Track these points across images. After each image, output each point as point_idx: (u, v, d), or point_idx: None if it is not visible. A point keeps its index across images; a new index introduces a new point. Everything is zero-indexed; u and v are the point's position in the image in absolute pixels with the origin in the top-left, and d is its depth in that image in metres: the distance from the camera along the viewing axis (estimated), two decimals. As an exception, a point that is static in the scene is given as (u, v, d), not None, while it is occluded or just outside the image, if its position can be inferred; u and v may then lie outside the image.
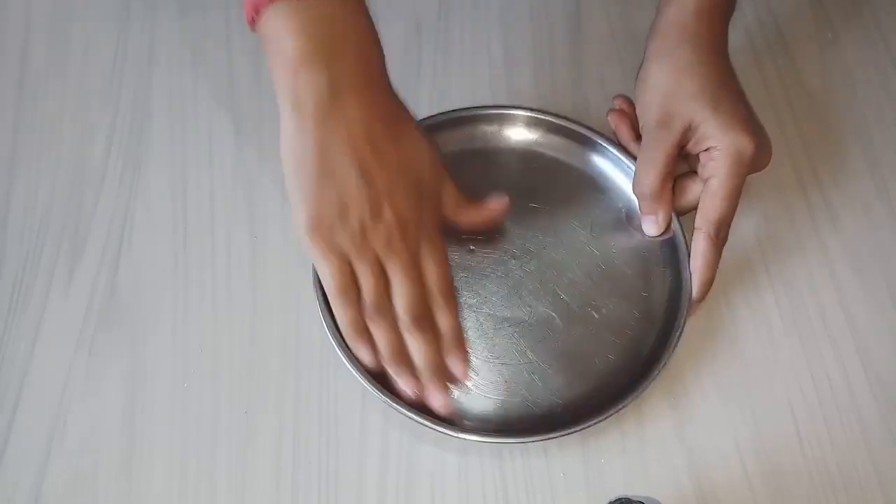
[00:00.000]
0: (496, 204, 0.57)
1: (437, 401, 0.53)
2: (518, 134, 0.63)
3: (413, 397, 0.53)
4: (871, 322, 0.59)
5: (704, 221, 0.55)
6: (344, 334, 0.53)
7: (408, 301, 0.52)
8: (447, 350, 0.54)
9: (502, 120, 0.63)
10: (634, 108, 0.61)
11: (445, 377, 0.54)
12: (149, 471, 0.54)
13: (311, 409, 0.56)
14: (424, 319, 0.53)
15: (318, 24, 0.49)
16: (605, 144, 0.61)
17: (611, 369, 0.56)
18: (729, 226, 0.56)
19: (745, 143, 0.54)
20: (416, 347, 0.53)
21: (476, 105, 0.63)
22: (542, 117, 0.62)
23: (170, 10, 0.70)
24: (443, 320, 0.54)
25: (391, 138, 0.51)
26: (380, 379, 0.54)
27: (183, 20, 0.70)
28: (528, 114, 0.63)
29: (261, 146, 0.65)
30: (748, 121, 0.56)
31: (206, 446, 0.54)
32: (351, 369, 0.54)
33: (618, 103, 0.62)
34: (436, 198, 0.55)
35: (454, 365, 0.54)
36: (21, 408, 0.55)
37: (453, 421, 0.53)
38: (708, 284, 0.56)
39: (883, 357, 0.58)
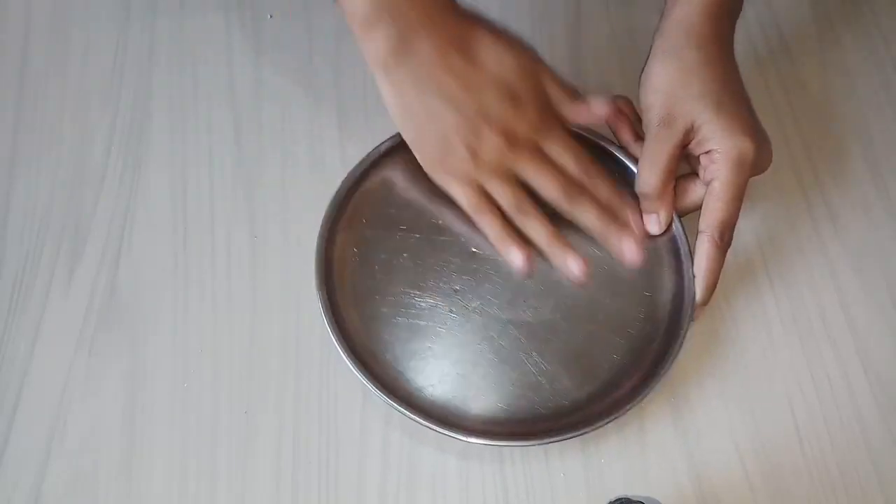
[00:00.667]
0: (599, 105, 0.58)
1: (627, 249, 0.56)
2: None
3: (581, 276, 0.56)
4: (871, 322, 0.59)
5: (708, 225, 0.55)
6: (494, 245, 0.57)
7: (550, 188, 0.55)
8: (614, 207, 0.57)
9: None
10: (633, 109, 0.61)
11: (624, 224, 0.57)
12: (149, 471, 0.54)
13: (311, 409, 0.56)
14: (577, 194, 0.56)
15: None
16: (605, 146, 0.61)
17: (616, 370, 0.56)
18: (733, 229, 0.56)
19: (747, 147, 0.54)
20: (582, 216, 0.56)
21: None
22: None
23: (170, 10, 0.70)
24: (597, 188, 0.56)
25: (470, 60, 0.54)
26: (380, 379, 0.54)
27: (183, 20, 0.70)
28: None
29: (261, 146, 0.65)
30: (750, 124, 0.56)
31: (206, 446, 0.55)
32: (351, 369, 0.54)
33: (617, 104, 0.62)
34: (534, 100, 0.56)
35: (626, 213, 0.57)
36: (21, 408, 0.55)
37: (453, 423, 0.53)
38: (712, 288, 0.56)
39: (883, 357, 0.58)
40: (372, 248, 0.59)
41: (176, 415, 0.55)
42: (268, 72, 0.68)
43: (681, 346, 0.55)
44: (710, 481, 0.54)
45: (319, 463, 0.54)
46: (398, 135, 0.60)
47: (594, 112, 0.58)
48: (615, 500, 0.49)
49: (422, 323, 0.57)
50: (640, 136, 0.59)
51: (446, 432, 0.52)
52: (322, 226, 0.58)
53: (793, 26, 0.72)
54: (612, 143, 0.62)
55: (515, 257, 0.56)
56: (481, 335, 0.56)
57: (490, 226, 0.56)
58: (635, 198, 0.58)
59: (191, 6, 0.70)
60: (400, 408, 0.53)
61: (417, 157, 0.56)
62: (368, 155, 0.60)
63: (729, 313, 0.60)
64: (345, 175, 0.60)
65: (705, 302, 0.56)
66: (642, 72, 0.58)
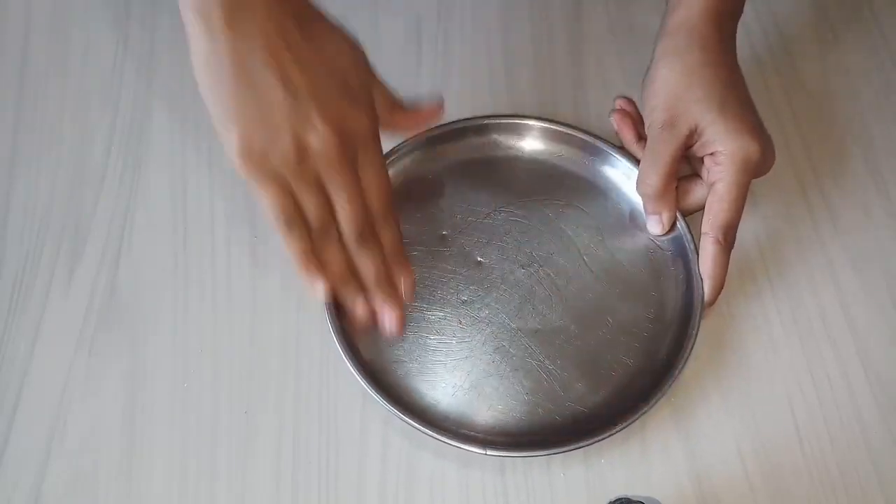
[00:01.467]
0: (430, 106, 0.55)
1: (388, 318, 0.54)
2: (520, 142, 0.63)
3: (363, 321, 0.54)
4: (871, 322, 0.59)
5: (712, 226, 0.55)
6: (295, 265, 0.51)
7: (351, 218, 0.50)
8: (391, 264, 0.54)
9: (504, 129, 0.63)
10: (636, 109, 0.61)
11: (394, 292, 0.54)
12: (149, 471, 0.54)
13: (311, 409, 0.56)
14: (369, 235, 0.52)
15: None
16: (607, 149, 0.61)
17: (628, 372, 0.56)
18: (736, 229, 0.56)
19: (751, 148, 0.54)
20: (364, 263, 0.52)
21: (477, 115, 0.63)
22: (544, 125, 0.62)
23: (170, 10, 0.70)
24: (385, 235, 0.53)
25: (308, 39, 0.47)
26: (381, 381, 0.54)
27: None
28: (530, 122, 0.62)
29: (261, 146, 0.65)
30: (754, 125, 0.56)
31: (206, 446, 0.54)
32: (352, 369, 0.53)
33: (619, 104, 0.62)
34: (367, 100, 0.51)
35: (399, 278, 0.54)
36: (21, 408, 0.55)
37: (467, 435, 0.53)
38: (718, 288, 0.56)
39: (883, 357, 0.58)
40: None
41: (176, 415, 0.55)
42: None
43: (692, 346, 0.55)
44: (711, 481, 0.54)
45: (319, 463, 0.54)
46: (397, 147, 0.60)
47: (421, 115, 0.54)
48: (615, 501, 0.49)
49: (432, 336, 0.56)
50: (642, 137, 0.59)
51: (462, 446, 0.52)
52: None
53: (793, 26, 0.72)
54: (614, 145, 0.62)
55: (319, 288, 0.51)
56: (492, 345, 0.56)
57: (299, 243, 0.50)
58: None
59: (191, 6, 0.70)
60: (392, 407, 0.52)
61: (225, 135, 0.47)
62: None
63: (729, 314, 0.60)
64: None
65: (713, 302, 0.56)
66: (645, 75, 0.58)
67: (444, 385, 0.55)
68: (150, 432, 0.55)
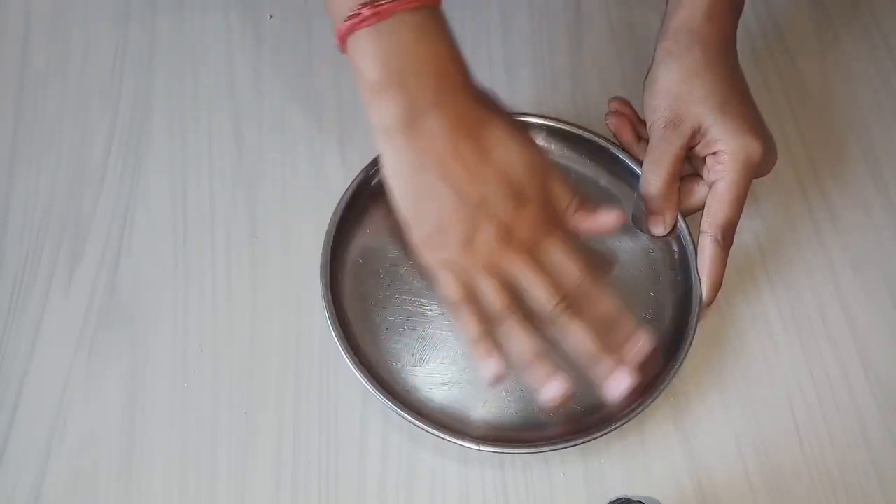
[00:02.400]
0: (609, 217, 0.53)
1: (616, 384, 0.51)
2: None
3: (558, 400, 0.51)
4: (871, 322, 0.59)
5: (711, 225, 0.55)
6: (471, 350, 0.51)
7: (542, 292, 0.50)
8: (615, 328, 0.51)
9: None
10: (632, 109, 0.61)
11: (614, 358, 0.51)
12: (149, 471, 0.54)
13: (311, 409, 0.56)
14: (570, 306, 0.51)
15: (395, 51, 0.48)
16: (607, 147, 0.61)
17: None
18: (735, 229, 0.56)
19: (754, 148, 0.54)
20: (574, 329, 0.51)
21: None
22: (545, 122, 0.62)
23: (170, 10, 0.70)
24: (599, 307, 0.51)
25: (479, 148, 0.50)
26: (379, 378, 0.54)
27: (183, 20, 0.70)
28: (531, 119, 0.62)
29: (261, 146, 0.65)
30: (757, 125, 0.56)
31: (206, 446, 0.54)
32: (352, 368, 0.53)
33: (614, 106, 0.62)
34: (543, 196, 0.52)
35: (629, 341, 0.51)
36: (21, 408, 0.55)
37: (461, 430, 0.53)
38: (717, 287, 0.56)
39: (883, 357, 0.58)
40: (377, 257, 0.59)
41: (176, 415, 0.55)
42: (268, 72, 0.68)
43: (689, 346, 0.55)
44: (711, 481, 0.54)
45: (319, 463, 0.54)
46: None
47: (601, 223, 0.53)
48: (615, 501, 0.49)
49: (429, 331, 0.57)
50: (641, 137, 0.59)
51: (456, 441, 0.52)
52: (326, 235, 0.58)
53: (793, 26, 0.72)
54: (615, 144, 0.61)
55: (488, 370, 0.51)
56: None
57: (470, 325, 0.51)
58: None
59: (191, 6, 0.70)
60: (410, 417, 0.52)
61: (410, 233, 0.51)
62: (371, 163, 0.60)
63: (729, 313, 0.60)
64: (344, 176, 0.60)
65: (711, 301, 0.56)
66: (647, 75, 0.58)
67: (441, 381, 0.55)
68: (150, 432, 0.55)
